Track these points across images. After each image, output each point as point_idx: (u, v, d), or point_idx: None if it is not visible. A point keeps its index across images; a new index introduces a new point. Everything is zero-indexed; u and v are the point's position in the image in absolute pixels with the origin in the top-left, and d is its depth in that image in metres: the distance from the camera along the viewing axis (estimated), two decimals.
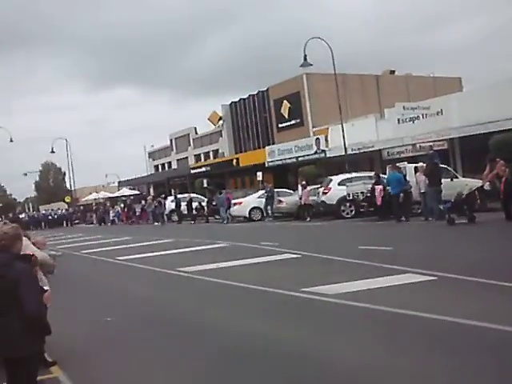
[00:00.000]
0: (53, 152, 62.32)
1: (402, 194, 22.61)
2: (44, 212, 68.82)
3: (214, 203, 37.73)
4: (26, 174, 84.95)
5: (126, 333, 8.01)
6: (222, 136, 60.21)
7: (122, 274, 15.02)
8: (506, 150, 23.68)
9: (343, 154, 33.20)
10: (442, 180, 21.64)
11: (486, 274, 8.93)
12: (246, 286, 10.38)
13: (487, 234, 16.09)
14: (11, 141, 57.98)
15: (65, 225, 60.76)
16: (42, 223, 61.96)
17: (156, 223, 41.90)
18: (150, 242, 22.52)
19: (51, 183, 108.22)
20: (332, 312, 7.94)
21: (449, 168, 25.69)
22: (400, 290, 8.77)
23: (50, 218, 63.08)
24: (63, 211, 65.81)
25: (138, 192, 67.08)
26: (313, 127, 45.70)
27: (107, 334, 8.03)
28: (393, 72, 53.86)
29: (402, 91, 46.41)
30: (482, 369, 5.13)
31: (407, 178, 23.77)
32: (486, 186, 19.68)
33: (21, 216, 66.25)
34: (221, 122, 59.96)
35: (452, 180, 23.50)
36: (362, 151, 35.35)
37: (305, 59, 32.60)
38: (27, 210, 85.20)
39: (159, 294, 11.09)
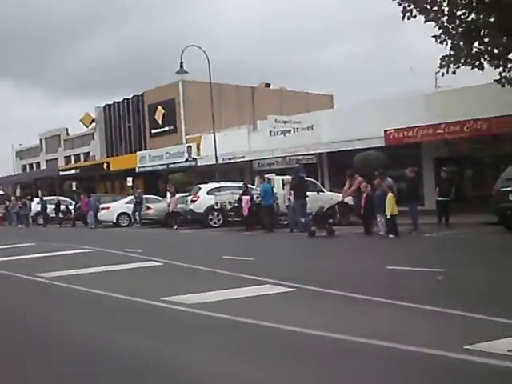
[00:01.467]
0: None
1: (275, 204, 23.14)
2: None
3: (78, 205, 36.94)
4: None
5: None
6: (94, 139, 58.98)
7: None
8: (367, 167, 24.68)
9: (214, 163, 33.38)
10: (309, 193, 22.25)
11: (341, 286, 9.22)
12: (104, 293, 10.11)
13: (345, 247, 16.75)
14: None
15: None
16: None
17: (20, 225, 40.38)
18: (11, 246, 21.59)
19: None
20: (187, 322, 7.87)
21: (315, 182, 26.46)
22: (258, 301, 8.85)
23: None
24: None
25: (2, 192, 64.35)
26: (186, 135, 45.70)
27: None
28: (268, 85, 54.86)
29: (276, 104, 47.40)
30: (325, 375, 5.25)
31: (274, 190, 24.27)
32: (350, 201, 20.48)
33: None
34: (93, 124, 58.72)
35: (318, 193, 24.27)
36: (233, 161, 35.69)
37: (181, 66, 32.60)
38: None
39: (12, 301, 10.59)
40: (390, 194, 18.25)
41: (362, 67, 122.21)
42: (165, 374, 5.62)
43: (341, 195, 21.54)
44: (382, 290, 8.86)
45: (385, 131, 27.70)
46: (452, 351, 5.54)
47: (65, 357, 6.48)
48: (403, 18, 19.12)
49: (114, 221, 33.46)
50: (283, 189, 24.34)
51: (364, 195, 19.32)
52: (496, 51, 19.73)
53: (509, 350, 5.39)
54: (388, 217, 18.01)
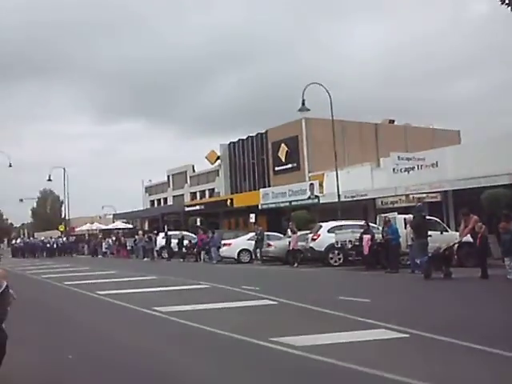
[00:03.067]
0: (49, 180, 62.55)
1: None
2: (43, 239, 63.08)
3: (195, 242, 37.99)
4: (21, 200, 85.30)
5: (85, 372, 7.72)
6: (218, 175, 60.24)
7: (97, 309, 14.71)
8: (495, 206, 23.65)
9: (336, 200, 33.08)
10: (432, 233, 21.54)
11: (459, 335, 8.71)
12: (215, 330, 10.12)
13: (463, 292, 15.98)
14: (10, 166, 58.60)
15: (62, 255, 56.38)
16: (38, 251, 57.83)
17: (146, 258, 41.66)
18: (134, 278, 22.32)
19: (48, 210, 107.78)
20: (292, 365, 7.67)
21: (438, 220, 25.57)
22: (369, 346, 8.53)
23: (48, 246, 58.47)
24: (64, 239, 61.66)
25: (131, 226, 66.89)
26: (309, 172, 45.68)
27: (64, 371, 7.74)
28: (392, 121, 54.06)
29: (400, 141, 46.51)
30: None
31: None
32: (468, 239, 19.66)
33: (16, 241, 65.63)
34: (218, 161, 60.00)
35: (442, 233, 23.39)
36: (355, 199, 35.24)
37: (303, 104, 32.71)
38: (22, 236, 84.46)
39: (127, 334, 10.77)
40: None
41: (492, 100, 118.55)
42: None
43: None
44: (503, 341, 8.26)
45: None
46: None
47: None
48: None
49: (236, 257, 33.76)
50: (405, 228, 23.72)
51: (479, 236, 18.47)
52: None
53: None
54: None
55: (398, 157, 32.68)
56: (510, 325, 9.92)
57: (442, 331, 9.05)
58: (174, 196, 70.17)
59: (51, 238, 63.02)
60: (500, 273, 17.93)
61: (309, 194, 40.05)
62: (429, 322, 10.30)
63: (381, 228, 24.88)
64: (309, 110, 33.09)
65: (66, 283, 21.39)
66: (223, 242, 34.75)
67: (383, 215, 26.33)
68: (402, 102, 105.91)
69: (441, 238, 21.61)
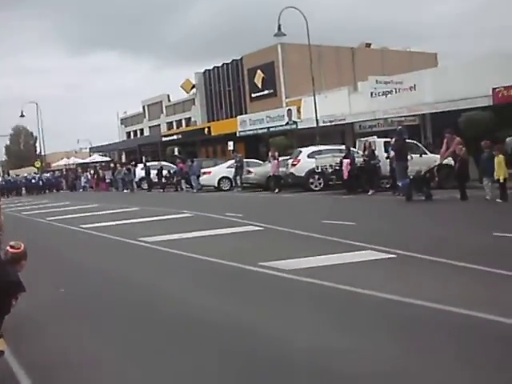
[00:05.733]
0: (22, 116, 61.15)
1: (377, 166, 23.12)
2: (26, 176, 57.24)
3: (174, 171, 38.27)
4: None
5: (76, 305, 7.77)
6: (194, 104, 59.65)
7: (83, 242, 14.70)
8: (474, 128, 23.76)
9: (315, 125, 33.01)
10: (413, 155, 21.68)
11: (442, 254, 8.89)
12: (202, 257, 10.22)
13: (444, 213, 16.24)
14: None
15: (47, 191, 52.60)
16: (23, 189, 53.69)
17: (125, 190, 41.57)
18: (116, 210, 22.23)
19: (22, 147, 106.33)
20: (282, 288, 7.78)
21: (418, 143, 25.67)
22: (358, 267, 8.66)
23: (33, 182, 53.71)
24: (48, 175, 57.54)
25: (108, 158, 66.38)
26: (286, 98, 45.38)
27: (57, 306, 7.78)
28: (369, 45, 53.56)
29: (377, 65, 46.13)
30: (431, 349, 5.00)
31: (376, 153, 23.83)
32: (449, 162, 19.76)
33: None
34: (194, 90, 59.32)
35: (421, 156, 23.49)
36: (333, 124, 35.18)
37: (279, 29, 32.31)
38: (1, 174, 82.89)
39: (115, 265, 10.83)
40: (501, 156, 17.40)
41: (469, 23, 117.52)
42: (248, 339, 5.55)
43: None
44: (487, 259, 8.43)
45: (493, 89, 26.43)
46: None
47: (156, 313, 6.54)
48: None
49: (216, 185, 33.78)
50: (385, 151, 23.83)
51: (459, 158, 18.57)
52: None
53: None
54: (501, 181, 17.11)
55: (376, 80, 32.52)
56: (491, 243, 10.10)
57: (428, 251, 9.22)
58: (150, 127, 69.54)
59: (35, 173, 59.33)
60: (478, 194, 18.14)
61: (287, 119, 39.81)
62: (414, 242, 10.49)
63: (361, 152, 24.95)
64: (285, 34, 32.66)
65: (48, 219, 21.27)
66: (203, 170, 34.70)
67: (363, 139, 26.36)
68: (377, 26, 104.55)
69: (421, 161, 21.72)
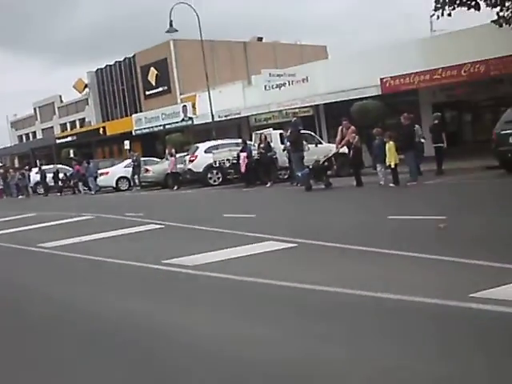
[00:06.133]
0: None
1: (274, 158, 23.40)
2: None
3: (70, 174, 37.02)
4: None
5: None
6: (88, 104, 58.52)
7: None
8: (366, 117, 24.54)
9: (210, 121, 33.12)
10: (309, 146, 22.16)
11: (342, 239, 9.16)
12: (105, 259, 10.07)
13: (344, 200, 16.78)
14: None
15: None
16: None
17: (21, 196, 40.31)
18: (11, 217, 21.43)
19: None
20: (188, 284, 7.81)
21: (313, 134, 26.24)
22: (260, 258, 8.78)
23: None
24: None
25: (0, 164, 64.12)
26: (180, 94, 45.28)
27: None
28: (260, 39, 54.14)
29: (270, 58, 46.84)
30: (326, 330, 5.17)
31: (272, 145, 24.18)
32: (344, 150, 20.37)
33: None
34: (87, 89, 58.19)
35: (317, 146, 24.04)
36: (229, 118, 35.40)
37: (170, 25, 32.18)
38: None
39: (13, 272, 10.53)
40: (391, 142, 18.05)
41: (355, 16, 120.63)
42: (163, 337, 5.56)
43: None
44: (384, 241, 8.79)
45: (381, 79, 27.39)
46: (458, 300, 5.47)
47: (64, 321, 6.43)
48: None
49: (114, 185, 33.37)
50: (281, 143, 24.22)
51: (353, 146, 19.21)
52: None
53: None
54: (392, 166, 17.76)
55: (270, 74, 32.96)
56: (387, 226, 10.51)
57: (328, 238, 9.46)
58: (42, 129, 67.70)
59: None
60: (372, 180, 18.80)
61: (182, 116, 39.73)
62: (314, 230, 10.73)
63: (257, 145, 25.25)
64: (177, 30, 32.58)
65: None
66: (100, 171, 34.17)
67: (258, 132, 26.68)
68: (268, 20, 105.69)
69: (317, 151, 22.23)
